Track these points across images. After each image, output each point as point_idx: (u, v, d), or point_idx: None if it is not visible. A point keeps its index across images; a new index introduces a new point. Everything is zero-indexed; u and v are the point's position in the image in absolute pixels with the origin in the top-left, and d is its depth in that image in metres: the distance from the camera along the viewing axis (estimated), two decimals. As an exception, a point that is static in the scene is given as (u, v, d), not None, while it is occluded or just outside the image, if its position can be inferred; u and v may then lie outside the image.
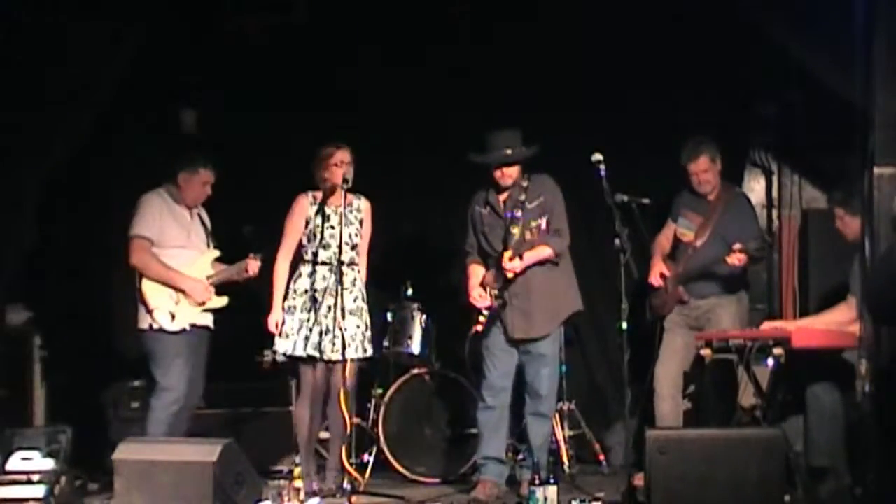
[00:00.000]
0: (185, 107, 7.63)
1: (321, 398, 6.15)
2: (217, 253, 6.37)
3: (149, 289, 6.14)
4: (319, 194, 6.23)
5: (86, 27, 6.23)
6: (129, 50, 6.48)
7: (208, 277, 6.26)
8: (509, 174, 5.93)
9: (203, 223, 6.39)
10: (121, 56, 6.47)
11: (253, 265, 6.23)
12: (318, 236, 6.15)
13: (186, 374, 6.12)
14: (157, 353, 6.13)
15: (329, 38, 7.35)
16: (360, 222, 6.26)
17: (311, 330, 6.08)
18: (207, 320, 6.28)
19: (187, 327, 6.15)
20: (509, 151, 5.89)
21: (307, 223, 6.20)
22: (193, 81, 7.43)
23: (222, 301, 6.29)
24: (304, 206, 6.23)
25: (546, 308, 5.93)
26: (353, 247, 6.22)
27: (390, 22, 7.24)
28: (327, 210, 6.16)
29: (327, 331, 6.05)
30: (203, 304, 6.20)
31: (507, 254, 5.82)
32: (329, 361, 6.07)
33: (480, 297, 5.92)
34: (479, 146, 5.97)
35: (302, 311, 6.13)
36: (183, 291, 6.15)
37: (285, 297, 6.19)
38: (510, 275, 5.83)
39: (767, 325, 5.96)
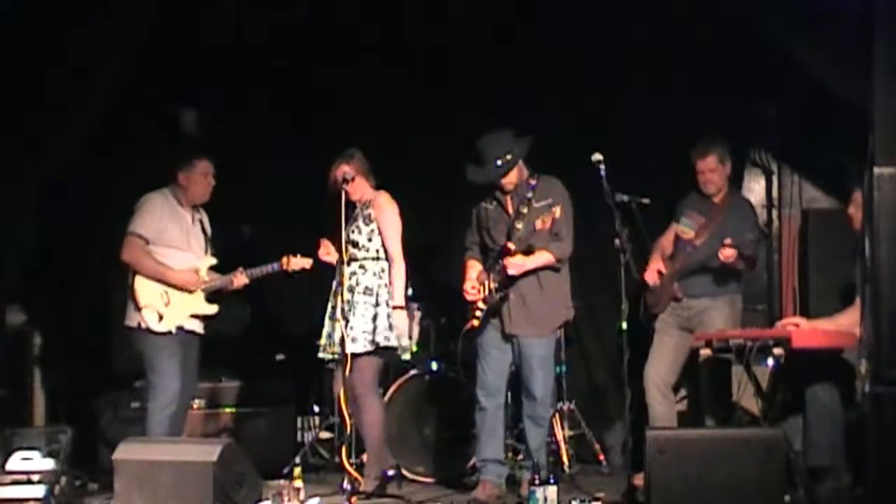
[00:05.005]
0: (185, 107, 7.64)
1: (345, 396, 6.03)
2: (213, 261, 6.33)
3: (140, 286, 6.12)
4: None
5: (85, 27, 6.24)
6: (129, 50, 6.48)
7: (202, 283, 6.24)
8: (509, 181, 5.92)
9: (203, 229, 6.36)
10: (121, 56, 6.47)
11: (239, 279, 6.22)
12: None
13: (180, 374, 6.09)
14: (147, 354, 6.10)
15: (329, 38, 7.35)
16: (367, 218, 6.15)
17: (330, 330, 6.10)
18: (196, 326, 6.25)
19: (173, 330, 6.11)
20: (500, 163, 5.84)
21: None
22: (193, 81, 7.43)
23: (212, 308, 6.26)
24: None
25: (544, 309, 5.92)
26: (354, 244, 6.12)
27: (389, 21, 7.24)
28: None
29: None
30: (193, 292, 6.16)
31: (510, 245, 5.82)
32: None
33: (473, 290, 5.94)
34: (474, 158, 5.91)
35: (327, 313, 6.18)
36: (175, 286, 6.12)
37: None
38: (511, 270, 5.83)
39: (784, 322, 5.88)
